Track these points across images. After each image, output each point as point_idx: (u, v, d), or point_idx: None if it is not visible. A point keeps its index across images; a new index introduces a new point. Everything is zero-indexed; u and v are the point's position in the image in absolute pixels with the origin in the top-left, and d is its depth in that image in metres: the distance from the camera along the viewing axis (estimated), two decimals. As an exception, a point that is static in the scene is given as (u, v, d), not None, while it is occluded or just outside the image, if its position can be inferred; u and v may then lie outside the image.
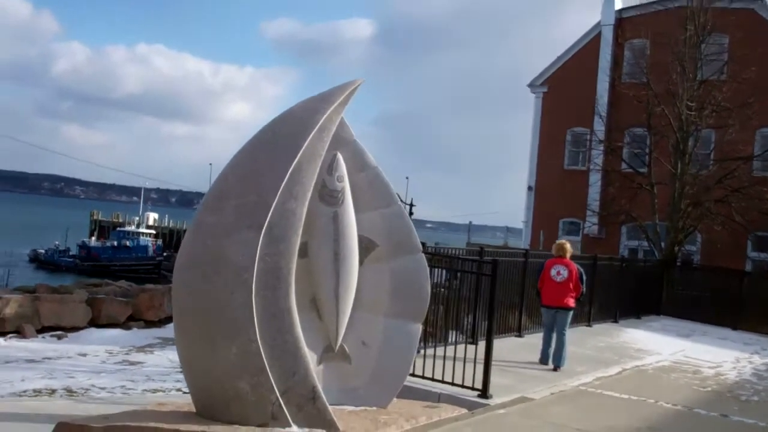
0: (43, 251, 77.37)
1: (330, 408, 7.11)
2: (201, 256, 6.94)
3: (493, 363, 11.30)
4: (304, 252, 7.75)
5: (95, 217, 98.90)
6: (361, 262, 7.99)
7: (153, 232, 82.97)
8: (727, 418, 9.86)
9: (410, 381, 9.48)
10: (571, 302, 12.50)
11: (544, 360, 12.44)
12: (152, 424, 6.49)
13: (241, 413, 6.76)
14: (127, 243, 74.87)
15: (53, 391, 12.79)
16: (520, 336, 14.66)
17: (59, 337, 19.59)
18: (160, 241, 79.83)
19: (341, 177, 7.83)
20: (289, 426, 6.81)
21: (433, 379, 9.48)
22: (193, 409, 7.05)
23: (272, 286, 6.90)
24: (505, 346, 13.45)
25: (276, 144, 7.20)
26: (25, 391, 12.67)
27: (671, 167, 27.85)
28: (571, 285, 12.40)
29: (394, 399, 8.32)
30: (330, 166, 7.77)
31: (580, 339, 15.70)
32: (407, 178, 44.31)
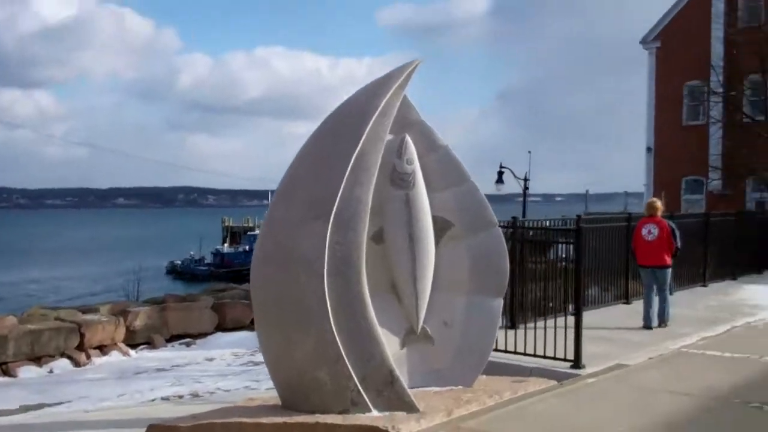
0: (179, 262, 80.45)
1: (409, 390, 7.25)
2: (274, 250, 7.19)
3: (593, 332, 11.26)
4: (380, 237, 7.95)
5: (227, 224, 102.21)
6: (437, 243, 8.09)
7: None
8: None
9: (502, 357, 9.52)
10: (667, 260, 12.53)
11: (647, 322, 12.40)
12: (236, 420, 6.80)
13: (321, 402, 6.97)
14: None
15: (181, 397, 13.38)
16: (627, 303, 14.37)
17: (188, 345, 20.45)
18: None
19: (411, 159, 7.92)
20: (369, 411, 6.97)
21: (525, 354, 9.46)
22: (279, 403, 7.36)
23: (343, 274, 7.07)
24: (610, 314, 13.26)
25: (339, 132, 7.36)
26: (153, 400, 13.30)
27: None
28: (664, 243, 12.42)
29: (483, 377, 8.38)
30: (399, 150, 7.87)
31: (691, 300, 15.26)
32: (529, 152, 43.82)
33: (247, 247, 77.52)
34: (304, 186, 7.21)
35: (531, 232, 11.73)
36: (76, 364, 23.20)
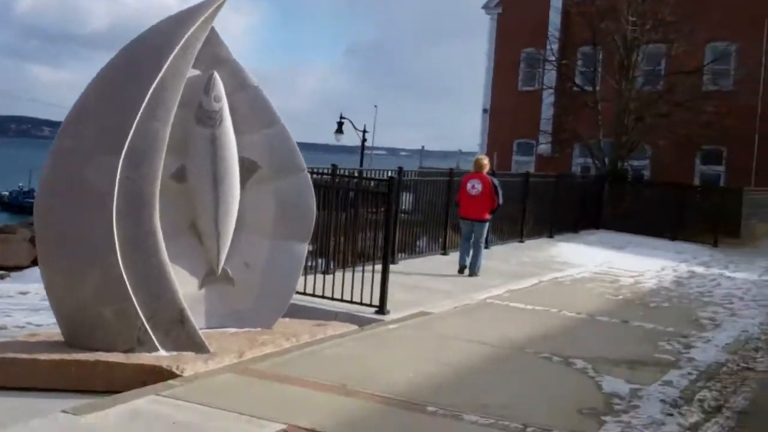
0: (6, 193, 76.80)
1: (200, 331, 7.11)
2: (61, 182, 6.81)
3: (407, 279, 11.46)
4: (182, 176, 7.67)
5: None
6: (243, 185, 7.90)
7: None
8: (627, 324, 10.00)
9: (310, 301, 9.51)
10: (486, 215, 13.03)
11: (461, 270, 12.90)
12: (9, 355, 6.45)
13: (106, 340, 6.71)
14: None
15: (-12, 330, 12.67)
16: (445, 254, 14.70)
17: (1, 277, 19.45)
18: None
19: (218, 97, 7.64)
20: (157, 350, 6.79)
21: (333, 299, 9.46)
22: (63, 339, 7.02)
23: (135, 211, 6.79)
24: (428, 264, 13.52)
25: (137, 62, 7.00)
26: None
27: (615, 84, 27.76)
28: (486, 198, 12.86)
29: (285, 320, 8.34)
30: (206, 86, 7.59)
31: (506, 254, 15.84)
32: (375, 106, 44.38)
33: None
34: (95, 117, 6.86)
35: (348, 181, 11.64)
36: None
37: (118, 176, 6.65)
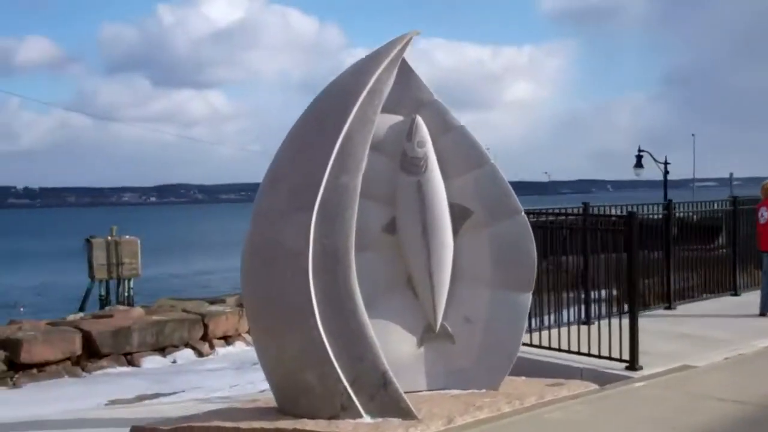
0: None
1: (420, 393, 6.71)
2: (260, 242, 6.77)
3: (676, 328, 10.16)
4: (393, 228, 7.39)
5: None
6: (456, 232, 7.42)
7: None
8: None
9: (552, 356, 8.68)
10: None
11: (764, 309, 11.30)
12: (216, 423, 6.44)
13: (310, 406, 6.47)
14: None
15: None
16: (735, 294, 12.91)
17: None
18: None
19: (422, 142, 7.28)
20: (361, 416, 6.43)
21: (578, 353, 8.56)
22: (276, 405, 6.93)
23: (331, 269, 6.54)
24: (711, 307, 11.94)
25: (323, 114, 6.82)
26: (263, 391, 13.15)
27: None
28: None
29: (518, 379, 7.67)
30: (409, 132, 7.28)
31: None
32: (693, 135, 41.73)
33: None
34: (287, 174, 6.74)
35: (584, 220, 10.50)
36: (199, 354, 23.95)
37: (311, 234, 6.46)
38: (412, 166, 7.31)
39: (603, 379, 7.98)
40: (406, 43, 6.96)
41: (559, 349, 8.73)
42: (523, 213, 7.45)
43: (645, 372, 8.03)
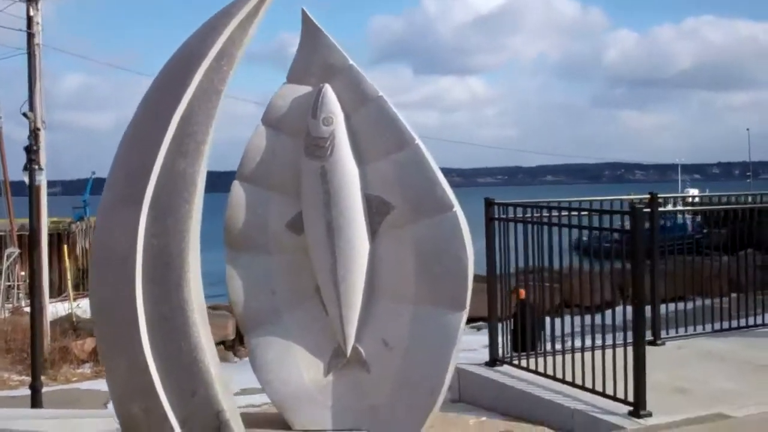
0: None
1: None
2: (95, 243, 5.71)
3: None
4: (299, 225, 5.98)
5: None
6: (373, 232, 5.86)
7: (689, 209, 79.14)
8: None
9: (544, 385, 6.74)
10: None
11: None
12: None
13: (140, 446, 5.29)
14: (666, 222, 72.01)
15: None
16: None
17: (478, 329, 19.10)
18: (699, 218, 75.37)
19: (329, 119, 5.82)
20: (190, 465, 5.12)
21: (573, 384, 6.56)
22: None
23: (160, 277, 5.24)
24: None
25: (162, 86, 5.53)
26: None
27: None
28: None
29: (471, 418, 6.01)
30: (314, 106, 5.83)
31: None
32: (748, 129, 34.52)
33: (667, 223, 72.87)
34: (123, 161, 5.50)
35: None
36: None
37: (140, 233, 5.19)
38: (316, 148, 5.85)
39: (594, 427, 6.00)
40: (266, -7, 5.43)
41: (554, 378, 6.76)
42: (454, 209, 5.69)
43: (657, 420, 5.92)
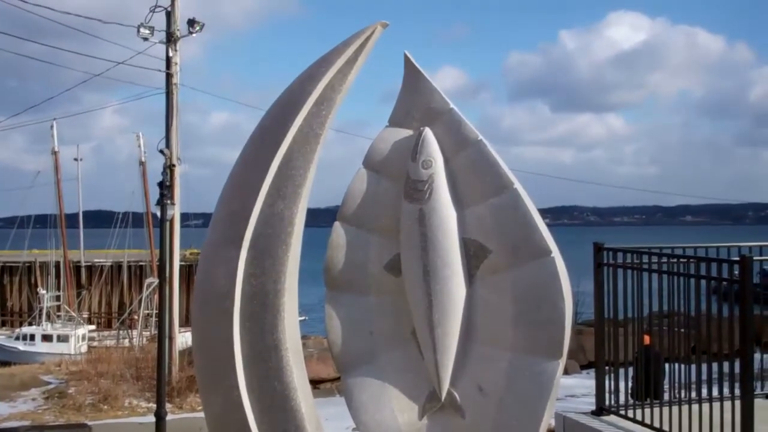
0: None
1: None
2: (198, 279, 5.91)
3: None
4: (397, 267, 6.01)
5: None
6: (471, 276, 5.82)
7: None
8: None
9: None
10: None
11: None
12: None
13: (229, 480, 5.41)
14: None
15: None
16: None
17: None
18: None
19: (428, 162, 5.85)
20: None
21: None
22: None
23: (257, 317, 5.42)
24: None
25: (264, 132, 5.73)
26: None
27: None
28: None
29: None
30: (414, 150, 5.88)
31: None
32: None
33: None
34: (225, 202, 5.72)
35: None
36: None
37: (239, 273, 5.39)
38: (415, 191, 5.86)
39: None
40: (367, 39, 5.60)
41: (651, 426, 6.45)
42: (552, 255, 5.57)
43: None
